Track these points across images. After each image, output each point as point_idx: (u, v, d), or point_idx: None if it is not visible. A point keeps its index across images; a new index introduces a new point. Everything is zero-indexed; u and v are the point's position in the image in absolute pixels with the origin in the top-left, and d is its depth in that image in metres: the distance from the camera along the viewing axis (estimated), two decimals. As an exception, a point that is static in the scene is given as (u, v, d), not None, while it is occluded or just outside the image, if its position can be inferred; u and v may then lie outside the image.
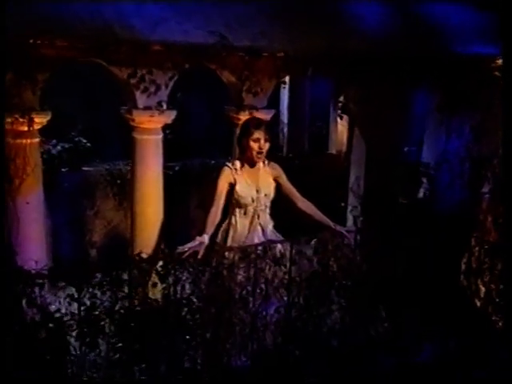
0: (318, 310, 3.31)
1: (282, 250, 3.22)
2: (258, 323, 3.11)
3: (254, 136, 3.16)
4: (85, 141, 5.57)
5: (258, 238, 3.30)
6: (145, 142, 3.82)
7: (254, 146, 3.18)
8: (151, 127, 3.80)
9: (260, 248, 3.08)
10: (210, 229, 3.06)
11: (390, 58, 4.25)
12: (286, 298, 3.18)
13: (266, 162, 3.33)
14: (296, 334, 3.22)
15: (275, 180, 3.34)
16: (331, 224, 3.33)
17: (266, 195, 3.30)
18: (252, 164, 3.25)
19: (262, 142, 3.18)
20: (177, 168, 5.94)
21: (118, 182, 5.41)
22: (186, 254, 2.85)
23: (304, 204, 3.36)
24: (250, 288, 3.08)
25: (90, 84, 5.90)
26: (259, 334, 3.12)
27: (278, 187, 3.35)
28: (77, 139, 5.52)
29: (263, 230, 3.33)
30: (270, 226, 3.39)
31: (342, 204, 5.21)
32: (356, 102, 4.65)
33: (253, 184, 3.26)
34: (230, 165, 3.23)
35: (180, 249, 2.89)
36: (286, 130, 6.98)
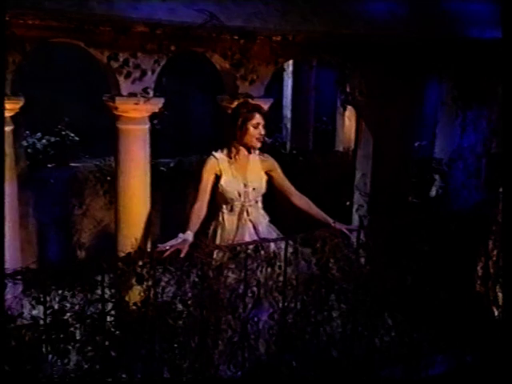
0: (316, 316, 3.12)
1: (277, 250, 3.02)
2: (249, 330, 2.93)
3: (254, 121, 3.02)
4: (72, 134, 5.42)
5: (249, 236, 3.14)
6: (130, 132, 3.68)
7: (255, 131, 3.03)
8: (137, 116, 3.65)
9: (250, 247, 2.89)
10: (195, 226, 2.91)
11: (399, 43, 4.07)
12: (280, 303, 2.98)
13: (257, 153, 3.16)
14: (292, 342, 3.03)
15: (267, 173, 3.18)
16: (330, 221, 3.17)
17: (254, 189, 3.15)
18: (248, 150, 3.08)
19: (262, 126, 3.03)
20: (172, 164, 5.80)
21: (109, 179, 5.27)
22: (167, 252, 2.68)
23: (299, 200, 3.20)
24: (240, 291, 2.90)
25: (78, 72, 5.79)
26: (250, 342, 2.94)
27: (271, 181, 3.19)
28: (64, 133, 5.37)
29: (255, 227, 3.17)
30: (263, 222, 3.22)
31: (348, 203, 5.05)
32: (362, 92, 4.47)
33: (240, 176, 3.11)
34: (215, 154, 3.07)
35: (160, 247, 2.74)
36: (289, 125, 6.85)
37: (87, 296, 2.49)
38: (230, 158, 3.08)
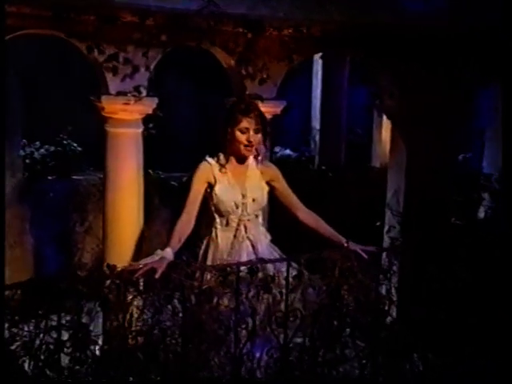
0: (326, 354, 2.78)
1: (276, 273, 2.71)
2: (241, 371, 2.62)
3: (240, 125, 2.74)
4: (75, 144, 5.32)
5: (246, 256, 2.87)
6: (119, 136, 3.52)
7: (241, 137, 2.76)
8: (127, 118, 3.48)
9: (243, 268, 2.59)
10: (177, 242, 2.67)
11: (436, 35, 3.74)
12: (281, 337, 2.67)
13: (259, 159, 2.87)
14: (294, 386, 2.69)
15: (269, 183, 2.90)
16: (343, 241, 2.86)
17: (254, 200, 2.87)
18: (239, 160, 2.80)
19: (252, 132, 2.73)
20: (184, 179, 5.60)
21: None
22: (139, 272, 2.41)
23: (307, 215, 2.93)
24: (231, 321, 2.60)
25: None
26: (244, 384, 2.62)
27: (273, 193, 2.92)
28: (66, 142, 5.27)
29: (254, 246, 2.89)
30: (264, 240, 2.94)
31: (378, 223, 4.72)
32: (393, 95, 4.14)
33: (237, 185, 2.84)
34: (209, 160, 2.80)
35: (133, 265, 2.48)
36: (318, 137, 6.65)
37: (41, 323, 2.24)
38: (227, 163, 2.81)
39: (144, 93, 3.42)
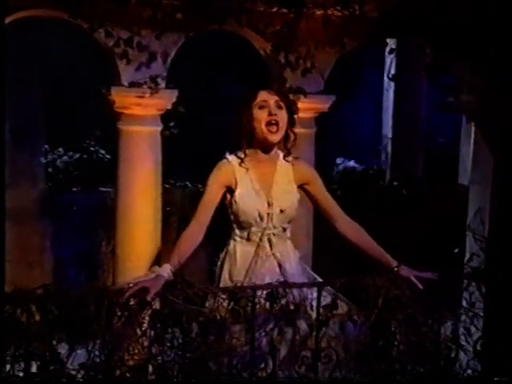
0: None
1: (303, 300, 2.50)
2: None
3: (258, 99, 2.55)
4: (103, 151, 5.35)
5: (270, 277, 2.65)
6: (132, 135, 3.48)
7: (261, 114, 2.55)
8: (142, 114, 3.42)
9: (260, 293, 2.40)
10: (180, 256, 2.51)
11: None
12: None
13: (290, 158, 2.67)
14: None
15: (302, 187, 2.69)
16: (393, 263, 2.62)
17: (283, 211, 2.65)
18: (264, 151, 2.60)
19: (273, 105, 2.53)
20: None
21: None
22: (128, 292, 2.28)
23: (348, 227, 2.72)
24: (243, 361, 2.42)
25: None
26: None
27: (307, 198, 2.72)
28: (93, 149, 5.32)
29: (280, 266, 2.68)
30: (293, 257, 2.75)
31: (456, 250, 4.42)
32: (473, 90, 3.85)
33: (262, 191, 2.64)
34: (230, 158, 2.62)
35: (124, 285, 2.35)
36: (389, 147, 6.41)
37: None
38: (243, 163, 2.63)
39: (162, 84, 3.35)
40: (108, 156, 5.46)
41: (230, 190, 2.65)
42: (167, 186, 5.58)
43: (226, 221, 2.71)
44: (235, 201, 2.63)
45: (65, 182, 5.24)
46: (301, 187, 2.74)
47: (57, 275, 5.34)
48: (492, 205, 4.13)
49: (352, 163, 6.25)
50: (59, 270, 5.32)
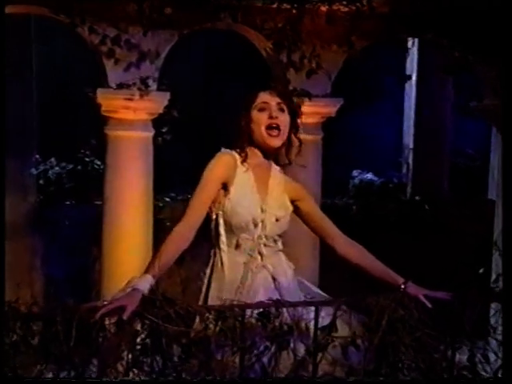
0: None
1: (297, 320, 2.41)
2: None
3: (257, 100, 2.48)
4: (99, 162, 5.33)
5: (265, 293, 2.54)
6: (120, 140, 3.45)
7: (261, 116, 2.47)
8: (131, 118, 3.39)
9: (249, 312, 2.31)
10: (163, 263, 2.37)
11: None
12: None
13: (278, 169, 2.62)
14: None
15: (294, 204, 2.62)
16: (399, 281, 2.51)
17: (277, 220, 2.57)
18: (265, 155, 2.54)
19: (274, 108, 2.46)
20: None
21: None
22: (101, 312, 2.19)
23: (348, 247, 2.63)
24: None
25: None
26: None
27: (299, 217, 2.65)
28: (88, 159, 5.30)
29: (274, 280, 2.58)
30: (288, 272, 2.65)
31: (481, 270, 4.31)
32: (496, 92, 3.75)
33: (258, 194, 2.55)
34: (230, 151, 2.55)
35: (98, 303, 2.28)
36: (411, 159, 6.32)
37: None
38: (245, 161, 2.57)
39: (153, 86, 3.31)
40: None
41: (224, 187, 2.57)
42: (167, 199, 5.63)
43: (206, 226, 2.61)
44: (229, 198, 2.51)
45: (57, 194, 5.20)
46: (292, 203, 2.68)
47: (46, 296, 5.32)
48: (519, 220, 4.05)
49: (369, 176, 6.19)
50: (49, 291, 5.30)
